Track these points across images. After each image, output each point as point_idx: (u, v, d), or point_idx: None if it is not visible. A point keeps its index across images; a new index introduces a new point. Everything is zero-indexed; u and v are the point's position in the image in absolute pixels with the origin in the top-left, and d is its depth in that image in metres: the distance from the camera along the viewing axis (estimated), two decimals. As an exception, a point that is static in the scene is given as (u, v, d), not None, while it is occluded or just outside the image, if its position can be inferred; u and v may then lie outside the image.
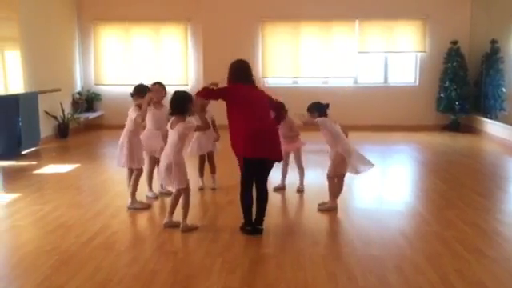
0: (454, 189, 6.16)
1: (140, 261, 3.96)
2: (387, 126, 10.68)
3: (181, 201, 4.64)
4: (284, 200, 5.71)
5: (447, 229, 4.66)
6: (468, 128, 10.37)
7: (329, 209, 5.17)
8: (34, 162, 7.62)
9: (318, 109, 5.45)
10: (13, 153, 7.86)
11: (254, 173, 4.51)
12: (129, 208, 5.23)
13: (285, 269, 3.79)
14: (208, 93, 4.66)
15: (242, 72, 4.71)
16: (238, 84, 4.63)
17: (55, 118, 9.70)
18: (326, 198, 5.29)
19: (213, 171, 6.06)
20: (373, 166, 5.18)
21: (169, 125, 4.63)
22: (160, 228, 4.67)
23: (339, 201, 5.27)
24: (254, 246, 4.27)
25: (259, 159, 4.44)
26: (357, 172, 5.13)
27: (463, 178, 6.71)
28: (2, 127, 7.65)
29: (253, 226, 4.53)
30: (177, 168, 4.51)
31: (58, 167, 7.32)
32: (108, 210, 5.27)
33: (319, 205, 5.26)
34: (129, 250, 4.21)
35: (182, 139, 4.54)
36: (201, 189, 5.97)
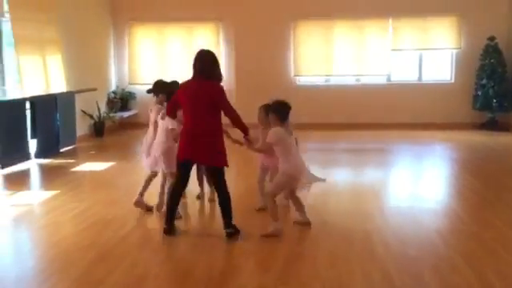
0: (491, 188, 6.02)
1: (175, 257, 4.02)
2: (421, 125, 10.50)
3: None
4: (314, 199, 5.68)
5: (484, 229, 4.56)
6: (506, 126, 10.09)
7: (272, 234, 4.34)
8: (72, 160, 7.81)
9: (282, 112, 4.42)
10: (51, 151, 8.09)
11: (183, 175, 4.44)
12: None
13: (319, 267, 3.78)
14: (168, 109, 4.67)
15: (195, 63, 4.38)
16: (189, 82, 4.40)
17: (91, 116, 9.92)
18: (363, 196, 5.23)
19: None
20: (324, 180, 4.86)
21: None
22: (195, 226, 4.72)
23: (374, 198, 5.21)
24: (287, 244, 4.27)
25: (185, 161, 4.38)
26: (307, 188, 4.68)
27: (501, 178, 6.55)
28: (42, 126, 7.86)
29: (169, 226, 4.43)
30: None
31: (94, 165, 7.49)
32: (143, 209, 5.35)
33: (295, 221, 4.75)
34: (164, 247, 4.27)
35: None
36: (199, 198, 5.57)
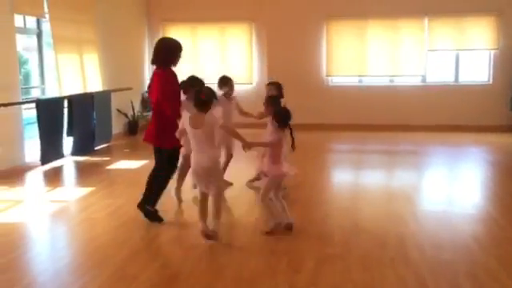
0: (531, 193, 5.85)
1: (207, 256, 4.05)
2: (458, 126, 10.29)
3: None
4: (346, 202, 5.64)
5: (524, 235, 4.44)
6: (546, 129, 9.80)
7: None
8: (107, 158, 7.97)
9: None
10: (87, 148, 8.27)
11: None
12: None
13: (351, 270, 3.74)
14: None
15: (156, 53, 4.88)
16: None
17: (126, 115, 10.09)
18: (396, 199, 5.15)
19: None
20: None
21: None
22: (227, 225, 4.74)
23: (407, 202, 5.12)
24: (319, 245, 4.25)
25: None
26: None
27: (541, 182, 6.35)
28: (79, 124, 8.04)
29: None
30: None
31: (128, 163, 7.62)
32: (176, 205, 5.42)
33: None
34: (197, 246, 4.31)
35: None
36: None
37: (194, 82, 5.32)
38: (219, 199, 4.37)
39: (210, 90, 4.45)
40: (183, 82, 5.32)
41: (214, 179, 4.25)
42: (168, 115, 4.63)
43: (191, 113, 4.24)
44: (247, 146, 4.43)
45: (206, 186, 4.26)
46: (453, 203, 5.62)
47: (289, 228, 4.51)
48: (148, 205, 4.79)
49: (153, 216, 4.79)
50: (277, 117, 4.53)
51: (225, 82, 6.00)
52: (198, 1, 11.13)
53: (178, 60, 4.96)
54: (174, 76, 4.87)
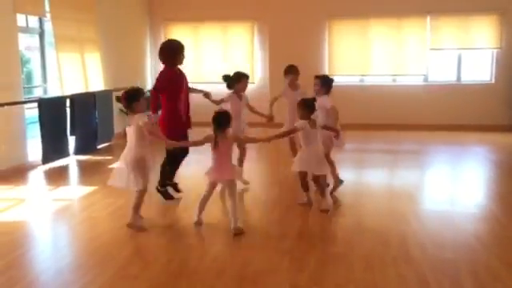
0: (534, 192, 5.84)
1: (211, 254, 4.05)
2: (460, 126, 10.27)
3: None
4: (349, 200, 5.62)
5: (527, 234, 4.43)
6: (549, 128, 9.78)
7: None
8: (109, 157, 7.98)
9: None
10: (89, 147, 8.28)
11: None
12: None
13: (353, 269, 3.74)
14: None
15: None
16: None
17: (127, 114, 10.07)
18: (399, 198, 5.16)
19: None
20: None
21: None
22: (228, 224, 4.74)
23: (410, 201, 5.12)
24: (321, 244, 4.25)
25: None
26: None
27: (544, 182, 6.33)
28: (81, 123, 8.04)
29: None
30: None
31: (130, 162, 7.61)
32: (177, 203, 5.43)
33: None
34: (199, 244, 4.32)
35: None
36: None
37: (238, 76, 5.90)
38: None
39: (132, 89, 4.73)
40: (227, 76, 5.87)
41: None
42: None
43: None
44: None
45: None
46: (455, 202, 5.61)
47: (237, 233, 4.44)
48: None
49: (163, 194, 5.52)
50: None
51: (239, 78, 5.97)
52: (200, 0, 11.13)
53: (180, 59, 5.47)
54: (176, 74, 5.38)
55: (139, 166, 4.49)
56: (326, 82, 5.57)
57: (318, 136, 5.01)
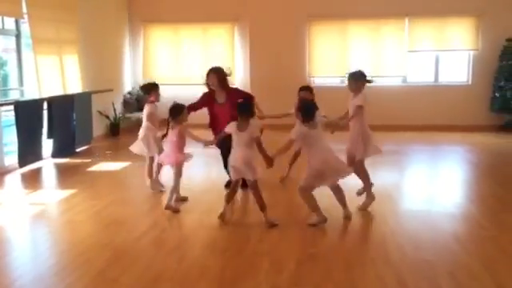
0: (510, 191, 5.93)
1: (189, 258, 4.03)
2: (438, 126, 10.41)
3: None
4: (327, 200, 5.65)
5: (504, 234, 4.49)
6: (525, 128, 9.96)
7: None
8: (88, 160, 7.88)
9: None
10: (68, 150, 8.16)
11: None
12: None
13: (332, 270, 3.75)
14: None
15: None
16: None
17: (107, 117, 9.99)
18: (377, 198, 5.19)
19: None
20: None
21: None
22: (209, 227, 4.73)
23: (389, 201, 5.15)
24: (301, 245, 4.26)
25: None
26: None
27: (520, 181, 6.45)
28: (59, 126, 7.93)
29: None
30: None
31: (109, 165, 7.55)
32: (158, 207, 5.39)
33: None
34: (178, 248, 4.29)
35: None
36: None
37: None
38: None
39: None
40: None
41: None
42: None
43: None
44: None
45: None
46: (434, 202, 5.67)
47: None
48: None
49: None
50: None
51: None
52: (179, 1, 11.08)
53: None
54: (205, 94, 6.21)
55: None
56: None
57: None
